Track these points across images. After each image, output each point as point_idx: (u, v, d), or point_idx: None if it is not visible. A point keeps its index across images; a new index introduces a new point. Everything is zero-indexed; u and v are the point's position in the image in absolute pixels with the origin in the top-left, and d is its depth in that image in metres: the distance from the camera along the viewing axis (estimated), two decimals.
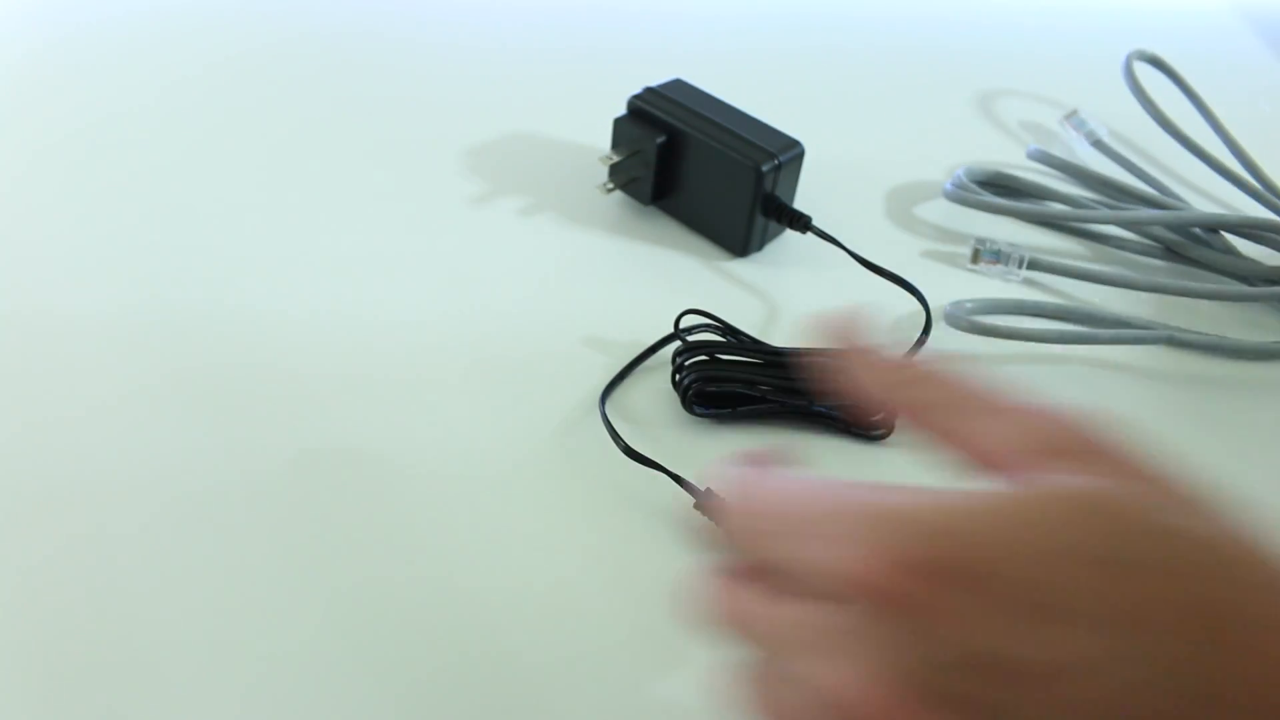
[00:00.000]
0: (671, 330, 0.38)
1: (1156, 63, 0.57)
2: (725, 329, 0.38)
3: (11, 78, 0.54)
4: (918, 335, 0.39)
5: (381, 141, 0.51)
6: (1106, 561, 0.18)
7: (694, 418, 0.37)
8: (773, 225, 0.45)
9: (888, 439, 0.37)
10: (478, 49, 0.60)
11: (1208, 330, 0.43)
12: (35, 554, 0.31)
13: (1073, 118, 0.55)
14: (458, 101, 0.55)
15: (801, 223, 0.44)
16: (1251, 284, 0.45)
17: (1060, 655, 0.17)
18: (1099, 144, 0.54)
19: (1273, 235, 0.46)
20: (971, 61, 0.63)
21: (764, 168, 0.42)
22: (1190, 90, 0.55)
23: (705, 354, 0.37)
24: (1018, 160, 0.53)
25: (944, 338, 0.42)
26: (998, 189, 0.50)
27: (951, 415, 0.22)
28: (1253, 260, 0.46)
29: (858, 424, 0.37)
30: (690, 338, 0.38)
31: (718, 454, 0.36)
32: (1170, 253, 0.47)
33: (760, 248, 0.46)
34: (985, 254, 0.45)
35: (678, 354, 0.38)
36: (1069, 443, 0.20)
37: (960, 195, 0.48)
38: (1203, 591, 0.18)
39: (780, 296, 0.43)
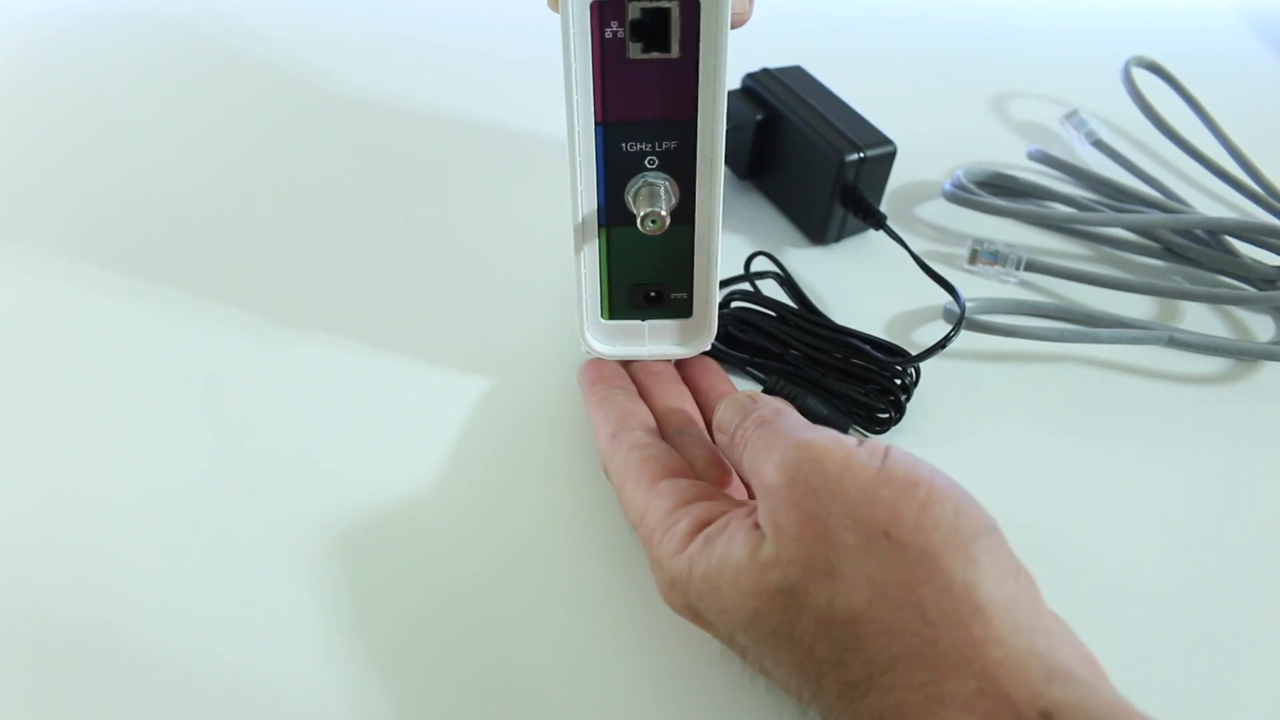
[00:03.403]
0: (741, 272, 0.41)
1: (1155, 69, 0.57)
2: (786, 279, 0.41)
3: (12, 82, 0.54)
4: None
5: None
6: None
7: None
8: (854, 219, 0.45)
9: (888, 431, 0.37)
10: None
11: (1208, 331, 0.43)
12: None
13: (1073, 117, 0.55)
14: None
15: (875, 219, 0.44)
16: (1252, 286, 0.45)
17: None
18: (1099, 144, 0.54)
19: (1273, 239, 0.45)
20: (971, 62, 0.63)
21: (847, 158, 0.42)
22: (1190, 96, 0.55)
23: (756, 303, 0.39)
24: (1018, 160, 0.53)
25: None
26: (997, 189, 0.50)
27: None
28: (1253, 262, 0.45)
29: (861, 414, 0.37)
30: (758, 283, 0.41)
31: None
32: (1171, 254, 0.47)
33: (839, 238, 0.46)
34: (983, 255, 0.45)
35: (734, 294, 0.40)
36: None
37: (959, 196, 0.48)
38: None
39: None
